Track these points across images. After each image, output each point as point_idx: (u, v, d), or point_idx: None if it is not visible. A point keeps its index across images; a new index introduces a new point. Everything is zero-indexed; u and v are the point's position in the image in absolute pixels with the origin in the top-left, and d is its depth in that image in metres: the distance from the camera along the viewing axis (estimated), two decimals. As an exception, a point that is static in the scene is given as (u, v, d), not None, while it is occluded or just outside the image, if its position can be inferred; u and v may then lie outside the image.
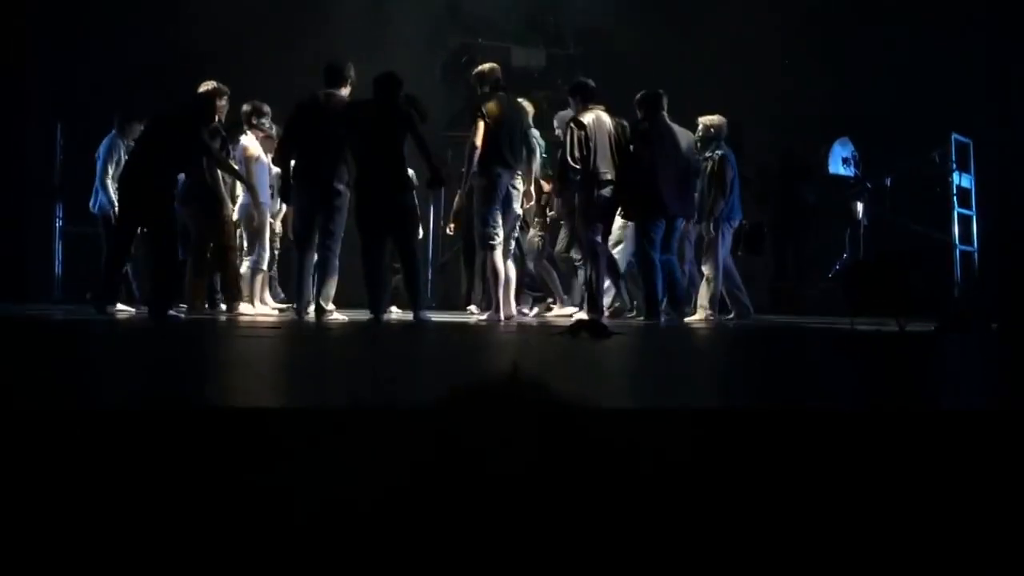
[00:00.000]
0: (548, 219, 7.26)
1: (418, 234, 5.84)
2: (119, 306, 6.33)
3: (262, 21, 8.79)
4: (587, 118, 6.12)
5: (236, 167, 6.21)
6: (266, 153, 6.50)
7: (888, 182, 8.38)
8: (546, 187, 6.90)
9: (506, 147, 5.79)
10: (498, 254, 5.88)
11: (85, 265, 7.52)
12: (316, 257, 5.68)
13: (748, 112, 7.01)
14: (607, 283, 6.59)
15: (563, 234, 7.03)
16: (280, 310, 6.81)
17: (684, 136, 6.35)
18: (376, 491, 0.92)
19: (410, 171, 5.79)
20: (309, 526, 0.92)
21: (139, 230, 5.81)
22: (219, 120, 6.21)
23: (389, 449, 0.98)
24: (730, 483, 1.05)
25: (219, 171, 6.12)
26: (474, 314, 6.68)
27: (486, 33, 9.90)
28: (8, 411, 1.15)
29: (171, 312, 5.53)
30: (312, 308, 5.57)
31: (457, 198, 7.37)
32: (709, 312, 6.48)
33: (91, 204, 6.80)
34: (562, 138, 6.31)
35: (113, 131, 6.71)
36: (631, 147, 6.28)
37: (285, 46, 8.44)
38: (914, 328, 4.65)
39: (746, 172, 7.08)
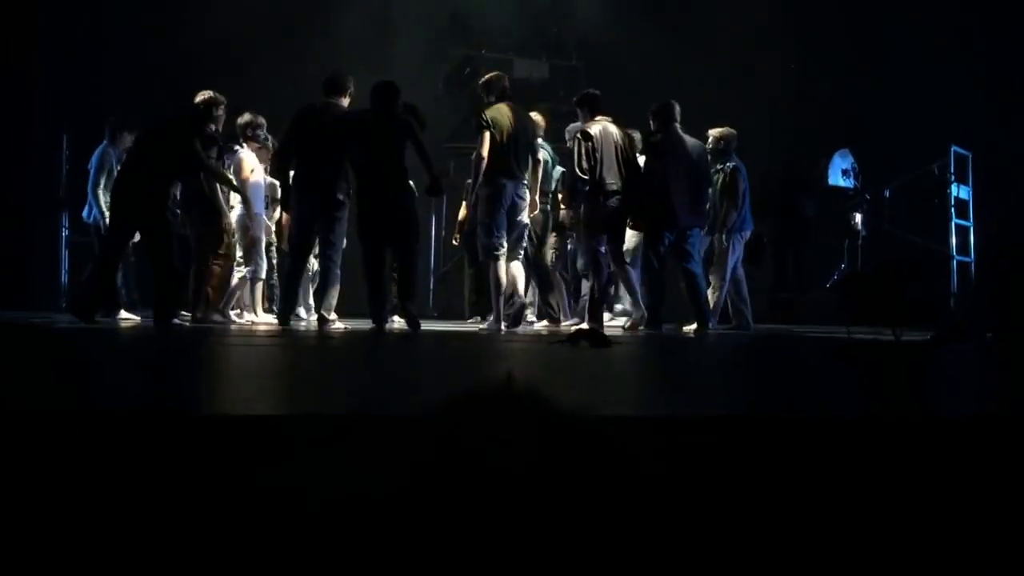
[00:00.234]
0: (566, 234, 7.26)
1: (418, 242, 5.82)
2: (123, 313, 6.36)
3: (267, 34, 8.85)
4: (594, 129, 6.14)
5: (231, 177, 6.26)
6: (261, 164, 6.56)
7: (887, 193, 8.41)
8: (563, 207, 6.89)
9: (512, 157, 5.78)
10: (501, 264, 5.89)
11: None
12: (316, 267, 5.69)
13: (748, 123, 7.05)
14: (619, 293, 6.63)
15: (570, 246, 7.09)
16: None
17: (696, 146, 6.39)
18: (376, 493, 0.94)
19: (409, 182, 5.82)
20: (309, 527, 0.94)
21: (133, 238, 5.84)
22: (216, 130, 6.26)
23: (389, 453, 1.00)
24: (728, 490, 1.07)
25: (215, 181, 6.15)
26: (479, 324, 6.71)
27: (488, 45, 9.94)
28: (37, 416, 1.19)
29: (175, 320, 5.56)
30: (313, 316, 5.57)
31: (463, 209, 7.39)
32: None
33: (84, 214, 6.85)
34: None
35: (105, 141, 6.72)
36: (642, 158, 6.33)
37: (289, 59, 8.49)
38: (911, 338, 4.68)
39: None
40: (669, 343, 4.99)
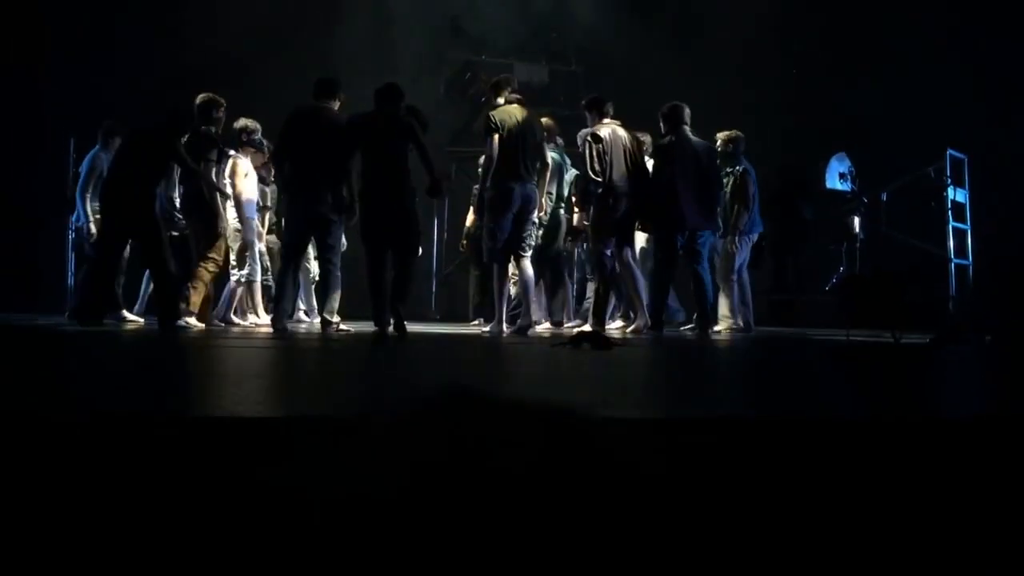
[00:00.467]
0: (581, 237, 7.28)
1: (419, 244, 5.81)
2: (129, 316, 6.36)
3: (272, 40, 8.86)
4: (603, 132, 6.16)
5: (226, 180, 6.27)
6: (255, 168, 6.58)
7: (884, 197, 8.43)
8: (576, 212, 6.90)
9: (520, 159, 5.77)
10: (506, 268, 5.91)
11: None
12: (317, 270, 5.69)
13: (746, 127, 7.06)
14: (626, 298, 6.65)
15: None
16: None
17: (705, 148, 6.40)
18: (376, 494, 0.94)
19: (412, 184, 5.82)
20: (310, 527, 0.94)
21: (127, 243, 5.87)
22: (216, 131, 6.27)
23: (389, 455, 0.99)
24: (729, 492, 1.07)
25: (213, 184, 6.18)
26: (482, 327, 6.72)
27: (489, 50, 9.96)
28: (37, 417, 1.19)
29: (179, 323, 5.56)
30: (317, 319, 5.57)
31: (470, 215, 7.39)
32: (732, 321, 6.54)
33: (73, 218, 6.92)
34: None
35: (97, 146, 6.75)
36: (650, 161, 6.34)
37: (293, 65, 8.49)
38: (910, 340, 4.68)
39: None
40: (670, 345, 4.99)
